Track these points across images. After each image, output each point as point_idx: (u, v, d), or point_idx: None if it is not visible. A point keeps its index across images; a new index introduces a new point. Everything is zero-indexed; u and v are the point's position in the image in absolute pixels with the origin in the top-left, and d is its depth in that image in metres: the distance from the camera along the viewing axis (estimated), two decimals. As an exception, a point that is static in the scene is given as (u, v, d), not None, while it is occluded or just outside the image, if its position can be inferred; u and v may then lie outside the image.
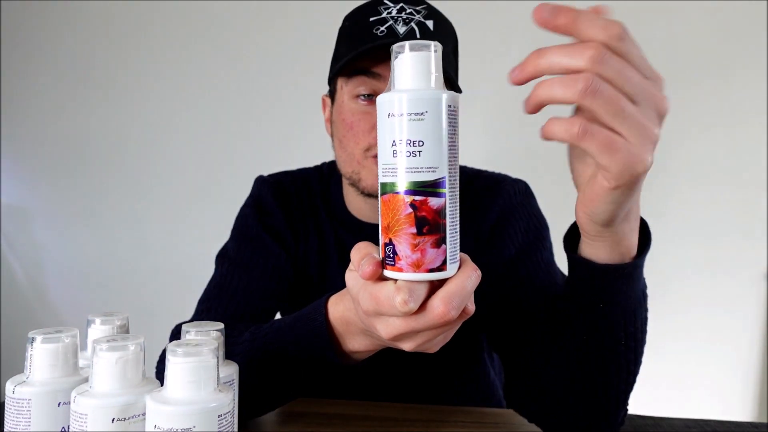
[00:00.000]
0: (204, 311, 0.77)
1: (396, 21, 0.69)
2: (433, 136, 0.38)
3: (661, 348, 1.70)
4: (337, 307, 0.54)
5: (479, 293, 0.75)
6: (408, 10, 0.70)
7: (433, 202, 0.38)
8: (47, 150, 2.01)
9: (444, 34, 0.71)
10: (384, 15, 0.70)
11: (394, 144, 0.39)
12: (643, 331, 0.56)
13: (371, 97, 0.71)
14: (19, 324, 2.03)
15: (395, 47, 0.40)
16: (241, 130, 1.90)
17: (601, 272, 0.50)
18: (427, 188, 0.38)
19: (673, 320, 1.71)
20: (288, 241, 0.84)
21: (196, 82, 1.92)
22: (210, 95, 1.91)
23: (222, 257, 0.83)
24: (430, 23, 0.70)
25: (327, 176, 0.89)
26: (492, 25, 1.75)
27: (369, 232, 0.81)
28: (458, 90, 0.71)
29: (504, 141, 1.77)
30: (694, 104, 1.69)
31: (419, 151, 0.38)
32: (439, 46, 0.40)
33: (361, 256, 0.42)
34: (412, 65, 0.39)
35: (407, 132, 0.38)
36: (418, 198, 0.38)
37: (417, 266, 0.39)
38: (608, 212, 0.44)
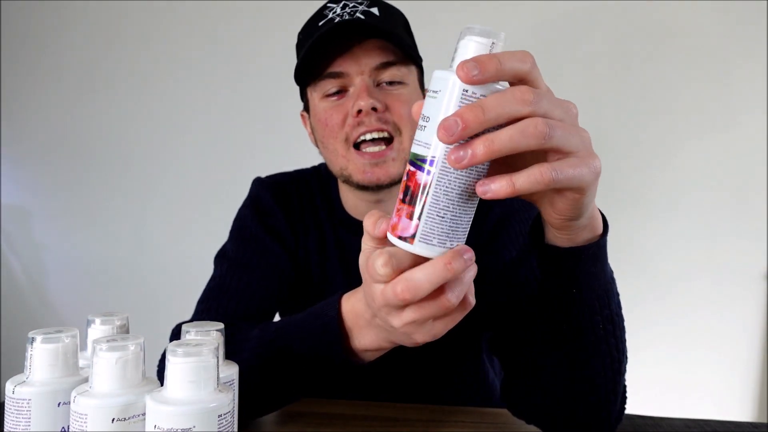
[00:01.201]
0: (203, 311, 0.77)
1: (342, 17, 0.71)
2: (437, 115, 0.39)
3: (661, 348, 1.70)
4: (349, 301, 0.55)
5: (479, 293, 0.75)
6: (351, 5, 0.72)
7: (419, 176, 0.40)
8: (47, 150, 2.01)
9: (390, 17, 0.73)
10: (330, 15, 0.72)
11: (421, 118, 0.41)
12: (619, 315, 0.57)
13: (340, 92, 0.73)
14: (19, 324, 2.03)
15: (465, 28, 0.40)
16: (242, 131, 1.90)
17: (569, 255, 0.51)
18: (417, 161, 0.40)
19: (673, 320, 1.71)
20: (288, 241, 0.84)
21: (197, 83, 1.92)
22: (211, 96, 1.91)
23: (221, 258, 0.83)
24: (374, 10, 0.72)
25: (325, 176, 0.89)
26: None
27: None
28: (417, 60, 0.77)
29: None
30: (694, 105, 1.69)
31: (425, 126, 0.40)
32: (501, 38, 0.40)
33: (374, 220, 0.44)
34: (461, 49, 0.40)
35: (424, 107, 0.40)
36: (411, 168, 0.40)
37: (392, 229, 0.41)
38: (579, 211, 0.45)
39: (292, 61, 0.77)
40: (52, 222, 2.02)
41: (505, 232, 0.78)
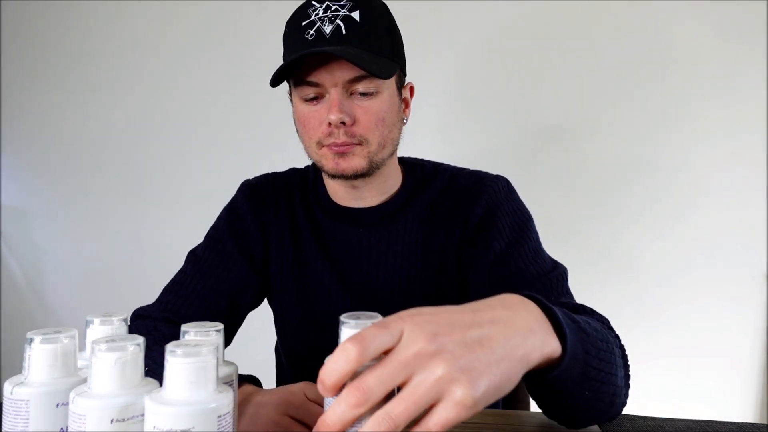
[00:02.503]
0: (163, 303, 0.85)
1: (322, 21, 0.74)
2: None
3: (661, 349, 1.70)
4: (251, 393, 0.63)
5: (473, 287, 0.74)
6: (333, 7, 0.75)
7: None
8: (47, 151, 2.01)
9: (371, 20, 0.75)
10: (312, 17, 0.75)
11: None
12: (601, 376, 0.53)
13: (316, 99, 0.77)
14: (17, 324, 2.03)
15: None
16: (241, 131, 1.90)
17: (529, 385, 0.53)
18: None
19: (674, 320, 1.71)
20: (256, 243, 0.89)
21: (196, 83, 1.91)
22: (211, 96, 1.91)
23: (192, 254, 0.91)
24: (356, 14, 0.74)
25: (313, 171, 0.94)
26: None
27: (345, 215, 0.87)
28: (402, 65, 0.81)
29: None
30: (694, 106, 1.69)
31: None
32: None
33: None
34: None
35: None
36: None
37: None
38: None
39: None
40: (51, 223, 2.02)
41: (494, 226, 0.81)
